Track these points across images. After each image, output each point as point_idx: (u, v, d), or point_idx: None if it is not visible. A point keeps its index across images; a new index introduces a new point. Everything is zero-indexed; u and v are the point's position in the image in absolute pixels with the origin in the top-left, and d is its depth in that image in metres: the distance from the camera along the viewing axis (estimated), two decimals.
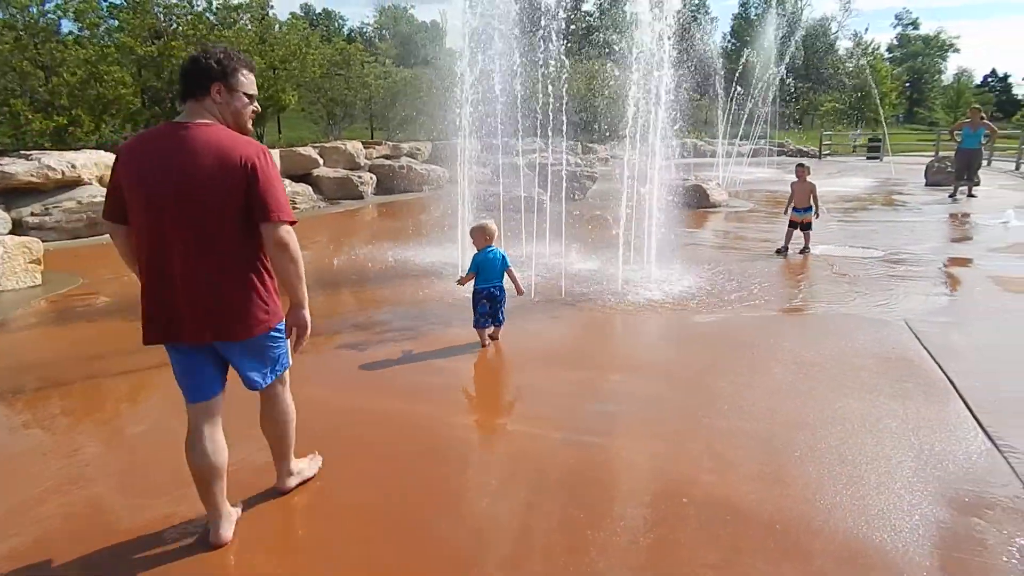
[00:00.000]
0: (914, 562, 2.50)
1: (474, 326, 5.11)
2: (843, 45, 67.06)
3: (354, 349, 5.04)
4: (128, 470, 3.35)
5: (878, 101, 38.06)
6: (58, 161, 10.45)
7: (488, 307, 5.06)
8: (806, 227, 8.60)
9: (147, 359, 4.81)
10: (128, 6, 19.39)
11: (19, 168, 10.05)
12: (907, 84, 69.80)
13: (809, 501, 2.90)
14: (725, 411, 3.86)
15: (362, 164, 17.34)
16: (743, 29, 61.42)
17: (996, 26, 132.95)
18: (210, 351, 2.59)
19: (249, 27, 21.55)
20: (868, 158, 30.03)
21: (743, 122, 20.63)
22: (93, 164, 11.01)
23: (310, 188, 14.84)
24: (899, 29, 79.41)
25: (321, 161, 16.13)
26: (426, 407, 4.02)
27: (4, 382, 4.49)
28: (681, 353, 5.15)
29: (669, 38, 7.43)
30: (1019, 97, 79.33)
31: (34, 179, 10.10)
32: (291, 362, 2.84)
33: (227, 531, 2.64)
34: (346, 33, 62.94)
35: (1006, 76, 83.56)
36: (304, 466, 3.12)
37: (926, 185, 17.15)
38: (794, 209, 8.65)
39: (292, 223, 2.50)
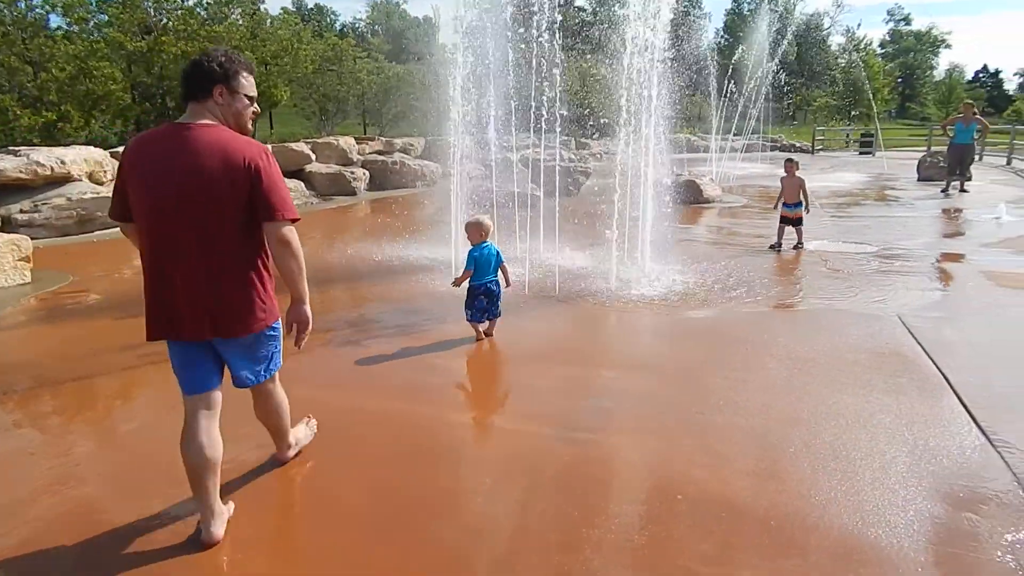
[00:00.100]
0: (909, 558, 2.50)
1: (468, 319, 5.10)
2: (835, 41, 67.27)
3: (348, 346, 5.01)
4: (120, 469, 3.32)
5: (871, 96, 38.16)
6: (47, 157, 10.36)
7: (485, 302, 5.05)
8: (797, 222, 8.60)
9: (137, 357, 4.78)
10: (118, 1, 19.22)
11: (7, 164, 9.95)
12: (899, 80, 70.02)
13: (804, 497, 2.90)
14: (719, 407, 3.85)
15: (355, 160, 17.26)
16: (736, 25, 61.45)
17: (987, 22, 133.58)
18: (209, 346, 2.63)
19: (240, 22, 21.41)
20: (860, 153, 30.12)
21: (736, 117, 20.64)
22: (83, 160, 10.92)
23: (302, 184, 14.77)
24: (891, 25, 79.69)
25: (313, 157, 16.05)
26: (420, 405, 4.00)
27: None
28: (675, 349, 5.15)
29: (663, 30, 7.40)
30: (1010, 92, 79.79)
31: (23, 176, 10.00)
32: (282, 363, 2.89)
33: (219, 530, 2.63)
34: (338, 28, 62.63)
35: (997, 72, 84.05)
36: (301, 435, 3.28)
37: (918, 180, 17.20)
38: (784, 204, 8.65)
39: (295, 220, 2.57)
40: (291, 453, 3.20)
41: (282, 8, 28.31)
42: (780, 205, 8.70)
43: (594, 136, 26.31)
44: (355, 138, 18.70)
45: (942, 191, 14.53)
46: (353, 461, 3.33)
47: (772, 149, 29.12)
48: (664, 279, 6.88)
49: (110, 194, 9.59)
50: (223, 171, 2.43)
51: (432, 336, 5.21)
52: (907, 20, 78.94)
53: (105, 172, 11.52)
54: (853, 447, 3.32)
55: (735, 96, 20.31)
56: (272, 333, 2.72)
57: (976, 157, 17.18)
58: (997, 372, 4.35)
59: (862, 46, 64.69)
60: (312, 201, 14.64)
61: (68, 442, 3.63)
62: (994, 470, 3.12)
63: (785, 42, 24.76)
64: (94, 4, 19.86)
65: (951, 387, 4.05)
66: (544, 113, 7.80)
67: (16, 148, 10.90)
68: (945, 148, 15.96)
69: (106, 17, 19.49)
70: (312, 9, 67.30)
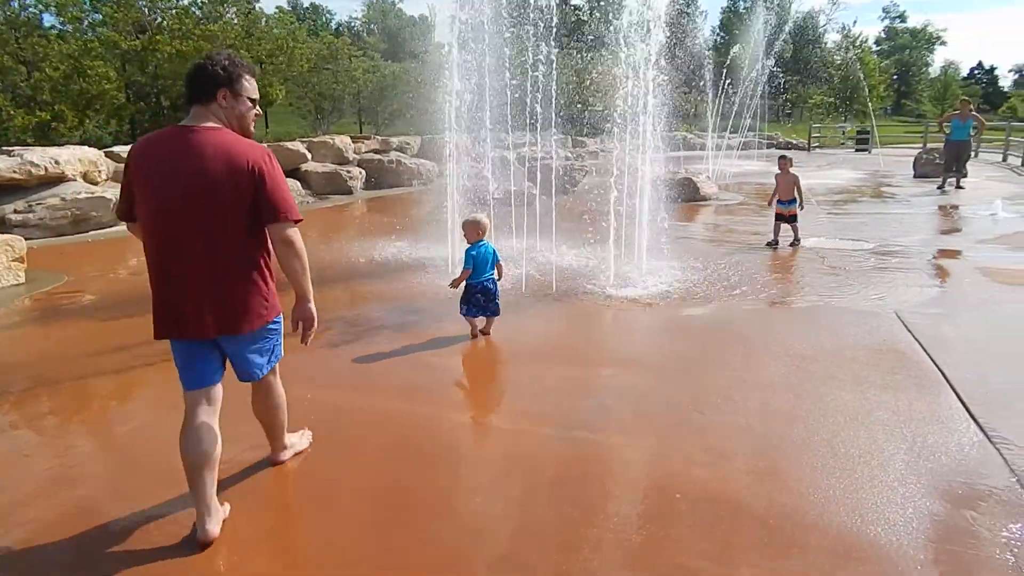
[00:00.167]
0: (908, 555, 2.49)
1: (464, 315, 5.11)
2: (831, 38, 67.32)
3: (345, 346, 4.99)
4: (116, 470, 3.30)
5: (866, 94, 38.21)
6: (41, 157, 10.30)
7: (481, 300, 5.04)
8: (791, 219, 8.58)
9: (133, 358, 4.76)
10: (112, 0, 19.14)
11: (1, 165, 9.90)
12: (895, 77, 70.16)
13: (803, 495, 2.89)
14: (718, 405, 3.84)
15: (351, 159, 17.22)
16: (732, 23, 61.47)
17: (982, 19, 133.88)
18: (212, 343, 2.68)
19: (235, 21, 21.33)
20: (857, 150, 30.18)
21: (732, 115, 20.64)
22: (77, 160, 10.87)
23: (298, 183, 14.73)
24: (886, 22, 79.81)
25: (309, 156, 16.01)
26: (418, 404, 3.98)
27: None
28: (673, 347, 5.14)
29: (660, 27, 7.38)
30: (1005, 89, 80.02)
31: (16, 176, 9.96)
32: (283, 354, 2.95)
33: (214, 528, 2.62)
34: (334, 27, 62.47)
35: (992, 68, 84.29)
36: (296, 440, 3.27)
37: (914, 177, 17.22)
38: (779, 202, 8.63)
39: (298, 221, 2.62)
40: (285, 455, 3.19)
41: (277, 7, 28.15)
42: (775, 202, 8.69)
43: (590, 134, 26.31)
44: (351, 137, 18.67)
45: (938, 188, 14.56)
46: (351, 461, 3.31)
47: (768, 147, 29.14)
48: (662, 276, 6.87)
49: (104, 194, 9.59)
50: (227, 174, 2.48)
51: (430, 335, 5.19)
52: (902, 17, 79.10)
53: (99, 172, 11.47)
54: (851, 444, 3.31)
55: (731, 94, 20.32)
56: (273, 327, 2.78)
57: (972, 154, 17.20)
58: (994, 368, 4.35)
59: (858, 43, 64.77)
60: (308, 200, 14.60)
61: (64, 443, 3.61)
62: (992, 466, 3.12)
63: (781, 39, 24.75)
64: (88, 3, 19.78)
65: (949, 383, 4.05)
66: (540, 111, 7.79)
67: (10, 148, 10.84)
68: (941, 145, 15.99)
69: (100, 16, 19.40)
70: (308, 8, 67.13)
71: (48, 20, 19.75)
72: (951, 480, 3.00)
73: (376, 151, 18.59)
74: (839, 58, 59.38)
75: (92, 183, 11.05)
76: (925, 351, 4.60)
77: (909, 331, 5.03)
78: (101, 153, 12.00)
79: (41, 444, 3.61)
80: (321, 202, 14.75)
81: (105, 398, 4.28)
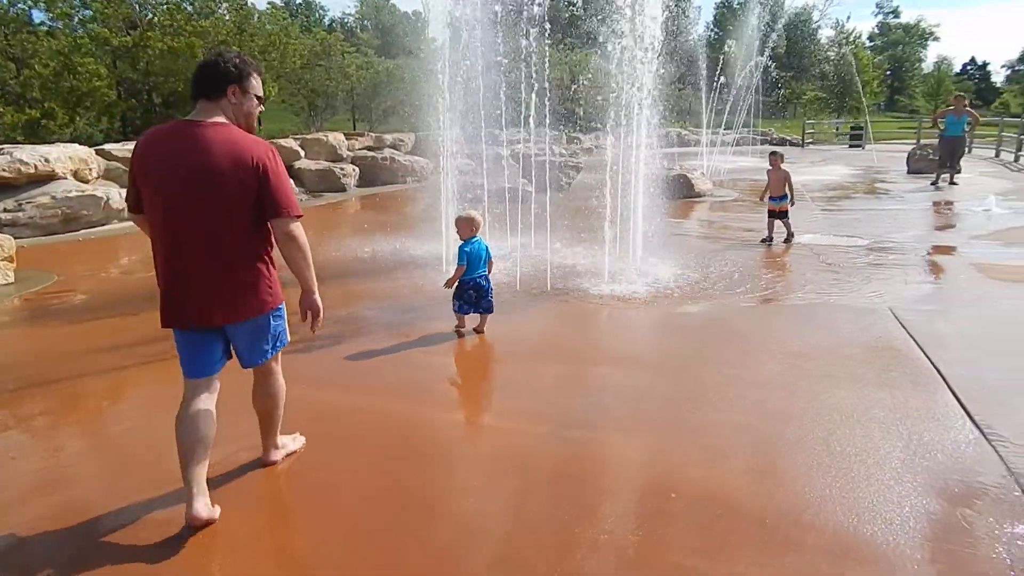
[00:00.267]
0: (905, 555, 2.48)
1: (456, 311, 5.10)
2: (825, 34, 67.38)
3: (339, 345, 4.95)
4: (108, 470, 3.26)
5: (860, 89, 38.27)
6: (31, 155, 10.20)
7: (473, 296, 5.02)
8: (782, 216, 8.54)
9: (124, 357, 4.71)
10: None
11: None
12: (888, 72, 70.28)
13: (799, 494, 2.87)
14: (713, 403, 3.82)
15: (344, 156, 17.13)
16: (726, 18, 61.44)
17: (975, 15, 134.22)
18: (217, 333, 2.75)
19: (227, 17, 21.18)
20: (850, 146, 30.22)
21: (727, 111, 20.64)
22: (67, 158, 10.77)
23: (292, 181, 14.63)
24: (880, 17, 79.91)
25: (302, 153, 15.92)
26: (413, 404, 3.95)
27: None
28: (668, 344, 5.12)
29: (653, 22, 7.35)
30: (997, 85, 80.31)
31: (5, 174, 9.85)
32: (288, 340, 3.01)
33: (202, 509, 2.63)
34: (327, 23, 62.16)
35: (985, 64, 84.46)
36: (288, 441, 3.26)
37: (908, 173, 17.26)
38: (770, 198, 8.61)
39: (299, 216, 2.70)
40: (276, 456, 3.16)
41: (269, 3, 27.97)
42: (767, 198, 8.67)
43: (585, 130, 26.26)
44: (344, 134, 18.58)
45: (932, 183, 14.58)
46: (345, 460, 3.28)
47: (763, 143, 29.16)
48: (656, 274, 6.85)
49: (95, 192, 9.50)
50: (232, 170, 2.54)
51: (424, 334, 5.16)
52: (896, 13, 79.13)
53: (90, 170, 11.37)
54: (848, 443, 3.30)
55: (725, 90, 20.31)
56: (278, 314, 2.86)
57: (966, 149, 17.25)
58: (989, 365, 4.34)
59: (851, 39, 64.86)
60: (302, 198, 14.50)
61: (55, 444, 3.56)
62: (989, 464, 3.11)
63: (775, 35, 24.76)
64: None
65: (944, 380, 4.04)
66: (534, 107, 7.75)
67: None
68: (934, 140, 16.02)
69: (90, 12, 19.23)
70: (300, 4, 66.78)
71: (37, 16, 19.60)
72: (947, 478, 2.98)
73: (370, 148, 18.49)
74: (833, 54, 59.45)
75: (83, 181, 10.96)
76: (920, 348, 4.59)
77: (904, 328, 5.02)
78: (92, 151, 11.90)
79: (31, 445, 3.57)
80: (315, 200, 14.68)
81: (96, 398, 4.24)
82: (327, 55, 26.81)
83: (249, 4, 23.62)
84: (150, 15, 19.57)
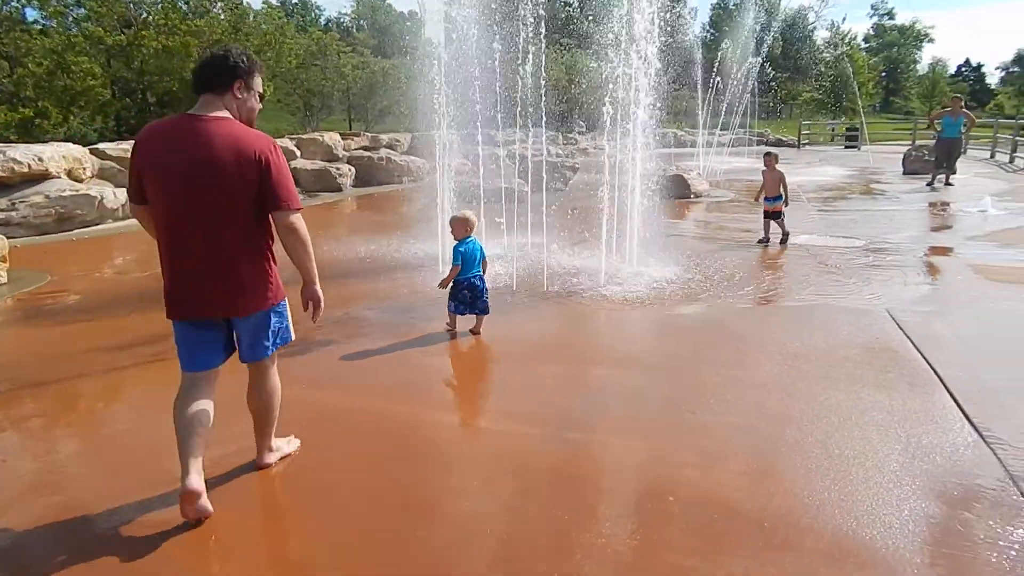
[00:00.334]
0: (904, 559, 2.46)
1: (451, 311, 5.08)
2: (820, 35, 67.54)
3: (334, 346, 4.91)
4: (102, 471, 3.22)
5: (856, 91, 38.36)
6: (24, 154, 10.13)
7: (468, 296, 5.01)
8: (775, 216, 8.52)
9: (117, 358, 4.67)
10: None
11: None
12: (883, 74, 70.52)
13: (797, 497, 2.85)
14: (711, 405, 3.81)
15: (340, 156, 17.09)
16: (722, 19, 61.53)
17: (969, 16, 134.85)
18: (219, 327, 2.79)
19: (222, 16, 21.08)
20: (846, 147, 30.28)
21: (723, 112, 20.65)
22: (61, 157, 10.70)
23: None
24: (875, 19, 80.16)
25: (298, 153, 15.87)
26: (406, 405, 3.92)
27: None
28: (665, 346, 5.10)
29: (649, 24, 7.34)
30: (992, 86, 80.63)
31: None
32: (293, 336, 3.02)
33: (198, 482, 2.62)
34: (323, 23, 62.02)
35: (979, 65, 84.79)
36: (283, 444, 3.22)
37: (904, 174, 17.29)
38: (765, 199, 8.60)
39: (300, 209, 2.75)
40: (271, 458, 3.13)
41: (264, 2, 27.83)
42: (761, 198, 8.66)
43: (582, 130, 26.25)
44: (340, 134, 18.54)
45: (927, 184, 14.61)
46: (343, 461, 3.25)
47: (759, 143, 29.19)
48: (653, 274, 6.83)
49: (89, 192, 9.43)
50: (235, 164, 2.57)
51: (420, 334, 5.13)
52: (891, 14, 79.46)
53: (84, 169, 11.31)
54: (846, 445, 3.28)
55: (721, 90, 20.32)
56: (280, 309, 2.88)
57: (962, 151, 17.30)
58: (987, 366, 4.33)
59: (847, 40, 65.03)
60: None
61: (48, 445, 3.54)
62: (987, 466, 3.10)
63: (770, 36, 24.79)
64: None
65: (942, 382, 4.03)
66: (530, 107, 7.73)
67: None
68: (928, 142, 16.06)
69: (84, 11, 19.13)
70: (296, 3, 66.61)
71: (31, 15, 19.50)
72: (946, 481, 2.97)
73: (366, 148, 18.45)
74: (828, 55, 59.60)
75: (77, 180, 10.89)
76: (918, 350, 4.59)
77: (901, 329, 5.01)
78: (86, 150, 11.82)
79: (25, 446, 3.54)
80: (310, 200, 14.61)
81: (90, 399, 4.20)
82: (323, 55, 26.70)
83: (244, 3, 23.52)
84: (144, 14, 19.47)
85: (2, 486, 3.07)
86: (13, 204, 9.69)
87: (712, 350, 4.78)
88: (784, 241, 8.48)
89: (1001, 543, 2.55)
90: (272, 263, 2.81)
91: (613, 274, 6.73)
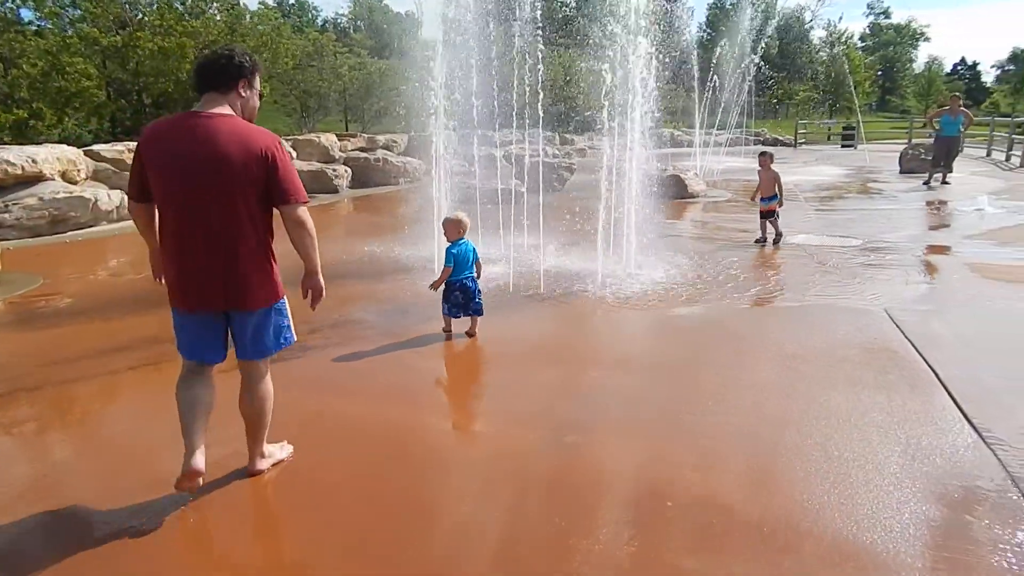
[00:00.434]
0: (905, 563, 2.43)
1: (444, 314, 5.05)
2: (817, 35, 67.65)
3: (328, 349, 4.87)
4: (98, 474, 3.19)
5: (852, 89, 38.43)
6: (17, 156, 10.07)
7: (461, 297, 4.97)
8: (769, 215, 8.48)
9: (111, 362, 4.63)
10: None
11: None
12: (879, 73, 70.63)
13: (797, 501, 2.82)
14: (709, 407, 3.77)
15: (337, 157, 17.04)
16: (719, 19, 61.56)
17: (965, 15, 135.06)
18: (219, 324, 2.83)
19: (218, 17, 21.02)
20: (843, 146, 30.32)
21: (719, 112, 20.64)
22: (55, 159, 10.63)
23: None
24: (871, 18, 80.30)
25: (294, 154, 15.81)
26: (401, 409, 3.88)
27: None
28: (663, 347, 5.07)
29: (646, 26, 7.32)
30: (987, 85, 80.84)
31: None
32: (295, 338, 3.04)
33: (200, 462, 2.72)
34: (320, 24, 61.95)
35: (975, 64, 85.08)
36: (275, 450, 3.19)
37: (900, 173, 17.31)
38: (761, 199, 8.57)
39: (307, 202, 2.82)
40: (263, 464, 3.08)
41: (261, 3, 27.78)
42: (758, 198, 8.63)
43: (578, 131, 26.22)
44: (337, 135, 18.49)
45: (924, 183, 14.62)
46: (334, 467, 3.21)
47: (755, 143, 29.19)
48: (651, 275, 6.80)
49: (83, 194, 9.37)
50: (241, 159, 2.61)
51: (416, 337, 5.09)
52: (887, 13, 79.61)
53: (79, 171, 11.24)
54: (845, 448, 3.25)
55: (718, 90, 20.31)
56: (280, 308, 2.92)
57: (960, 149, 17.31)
58: (986, 366, 4.31)
59: (843, 39, 65.13)
60: None
61: (45, 449, 3.51)
62: (988, 468, 3.07)
63: (767, 36, 24.80)
64: None
65: (941, 382, 4.01)
66: (527, 108, 7.70)
67: None
68: (925, 140, 16.07)
69: (79, 12, 19.05)
70: (293, 4, 66.51)
71: (26, 15, 19.41)
72: (947, 483, 2.94)
73: (362, 149, 18.41)
74: (824, 54, 59.69)
75: (71, 182, 10.83)
76: (916, 349, 4.56)
77: (900, 329, 4.99)
78: (80, 152, 11.76)
79: (20, 450, 3.51)
80: None
81: (84, 403, 4.15)
82: (319, 55, 26.66)
83: (241, 4, 23.47)
84: (140, 15, 19.40)
85: None
86: (6, 206, 9.63)
87: (710, 351, 4.75)
88: (777, 241, 8.44)
89: (1002, 546, 2.52)
90: (274, 260, 2.84)
91: (610, 275, 6.70)
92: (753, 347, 4.79)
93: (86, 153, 12.09)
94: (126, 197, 2.90)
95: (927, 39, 79.19)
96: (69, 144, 12.28)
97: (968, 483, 2.94)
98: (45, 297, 6.63)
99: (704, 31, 66.02)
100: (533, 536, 2.66)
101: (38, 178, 10.20)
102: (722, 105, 20.33)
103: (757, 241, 8.55)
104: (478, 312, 5.06)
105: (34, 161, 10.15)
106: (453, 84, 8.27)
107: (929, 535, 2.60)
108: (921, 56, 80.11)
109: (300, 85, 25.82)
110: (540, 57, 7.78)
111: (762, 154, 8.74)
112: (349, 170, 16.51)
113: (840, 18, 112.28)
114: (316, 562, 2.51)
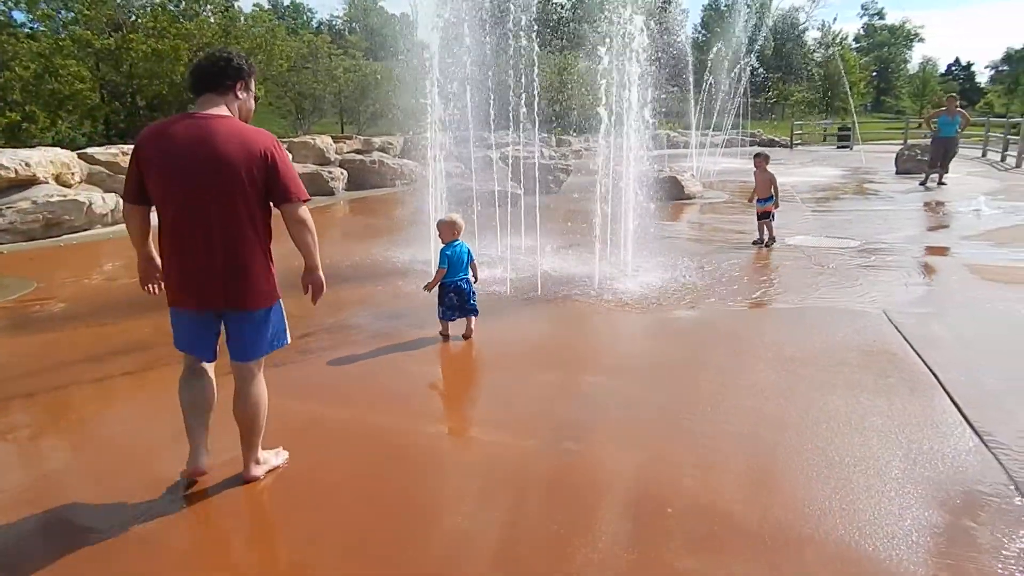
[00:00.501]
0: (908, 570, 2.40)
1: (439, 317, 5.02)
2: (812, 36, 67.80)
3: (325, 353, 4.83)
4: (94, 479, 3.15)
5: (847, 90, 38.52)
6: (10, 159, 9.98)
7: (455, 299, 4.94)
8: (764, 216, 8.45)
9: (105, 367, 4.58)
10: None
11: None
12: (874, 73, 70.86)
13: (797, 507, 2.79)
14: (708, 412, 3.74)
15: (332, 159, 16.97)
16: (714, 20, 61.67)
17: (959, 16, 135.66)
18: (215, 325, 2.86)
19: (212, 19, 20.94)
20: (838, 147, 30.38)
21: (715, 113, 20.66)
22: (49, 162, 10.55)
23: None
24: (865, 19, 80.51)
25: (290, 156, 15.72)
26: (396, 415, 3.84)
27: None
28: (660, 350, 5.04)
29: (641, 28, 7.29)
30: (982, 85, 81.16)
31: None
32: (289, 340, 3.05)
33: (203, 462, 2.88)
34: (315, 26, 61.86)
35: (969, 65, 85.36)
36: (271, 456, 3.16)
37: (896, 173, 17.32)
38: (757, 200, 8.55)
39: (307, 200, 2.83)
40: (258, 471, 3.04)
41: (255, 5, 27.71)
42: (755, 200, 8.61)
43: (575, 132, 26.22)
44: (332, 137, 18.40)
45: (921, 184, 14.64)
46: (333, 468, 3.17)
47: (752, 144, 29.25)
48: (648, 277, 6.78)
49: (77, 197, 9.29)
50: (241, 160, 2.63)
51: (412, 340, 5.05)
52: (881, 14, 79.79)
53: (73, 174, 11.17)
54: (846, 452, 3.22)
55: (713, 91, 20.33)
56: (278, 308, 2.94)
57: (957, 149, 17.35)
58: (986, 368, 4.29)
59: (838, 40, 65.30)
60: None
61: (40, 454, 3.48)
62: (990, 472, 3.04)
63: (762, 37, 24.85)
64: (59, 0, 19.30)
65: (941, 385, 3.98)
66: (523, 108, 7.67)
67: None
68: (921, 141, 16.10)
69: (72, 14, 18.95)
70: (287, 6, 66.40)
71: (19, 18, 19.30)
72: (949, 488, 2.91)
73: (358, 151, 18.33)
74: (819, 55, 59.84)
75: (65, 186, 10.75)
76: (916, 352, 4.54)
77: (899, 331, 4.97)
78: (74, 155, 11.67)
79: (16, 455, 3.47)
80: None
81: (80, 406, 4.09)
82: (314, 57, 26.60)
83: (235, 6, 23.40)
84: (133, 17, 19.32)
85: None
86: (0, 210, 9.56)
87: (708, 354, 4.72)
88: (769, 244, 8.40)
89: (1005, 551, 2.50)
90: (271, 261, 2.85)
91: (608, 277, 6.67)
92: (752, 349, 4.76)
93: (80, 156, 12.00)
94: (121, 200, 2.88)
95: (921, 40, 79.41)
96: (63, 147, 12.20)
97: (970, 488, 2.92)
98: (39, 301, 6.57)
99: (699, 32, 66.14)
100: (533, 536, 2.63)
101: (31, 181, 10.12)
102: (718, 106, 20.35)
103: (755, 243, 8.53)
104: (473, 312, 5.03)
105: (27, 164, 10.07)
106: (448, 86, 8.24)
107: (932, 541, 2.57)
108: (916, 57, 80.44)
109: (295, 87, 25.76)
110: (535, 58, 7.76)
111: (757, 155, 8.72)
112: (345, 172, 16.46)
113: (835, 19, 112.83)
114: (316, 562, 2.50)
